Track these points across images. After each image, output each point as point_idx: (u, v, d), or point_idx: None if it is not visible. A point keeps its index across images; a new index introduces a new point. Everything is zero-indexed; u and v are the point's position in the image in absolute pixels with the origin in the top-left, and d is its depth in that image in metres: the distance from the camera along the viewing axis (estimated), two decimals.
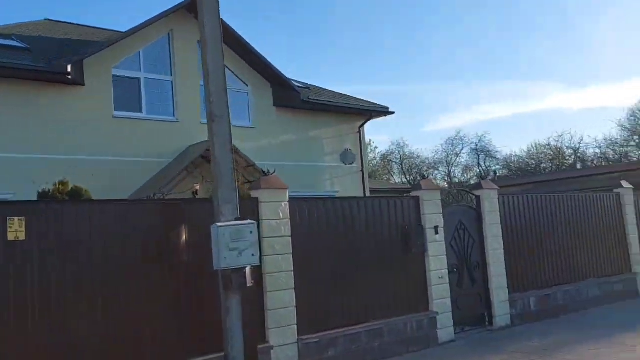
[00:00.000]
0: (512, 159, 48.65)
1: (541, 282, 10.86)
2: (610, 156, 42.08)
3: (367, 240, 8.47)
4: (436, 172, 49.12)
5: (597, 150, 44.23)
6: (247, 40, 15.50)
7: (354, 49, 70.00)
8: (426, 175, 9.97)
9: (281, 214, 7.31)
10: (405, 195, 9.51)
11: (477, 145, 49.12)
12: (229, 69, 15.80)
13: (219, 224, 5.86)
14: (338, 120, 17.71)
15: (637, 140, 42.24)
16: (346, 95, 18.61)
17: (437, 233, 9.18)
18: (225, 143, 6.20)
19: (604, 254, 12.30)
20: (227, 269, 5.85)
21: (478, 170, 47.38)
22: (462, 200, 10.61)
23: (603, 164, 40.00)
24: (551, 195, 11.80)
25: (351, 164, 17.93)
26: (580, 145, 45.33)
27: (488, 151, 48.95)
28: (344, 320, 7.87)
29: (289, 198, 7.56)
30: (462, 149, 50.19)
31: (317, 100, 16.76)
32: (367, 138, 20.07)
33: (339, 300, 7.91)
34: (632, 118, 42.98)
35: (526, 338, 9.18)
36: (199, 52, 14.84)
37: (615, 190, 12.97)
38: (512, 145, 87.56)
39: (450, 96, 70.75)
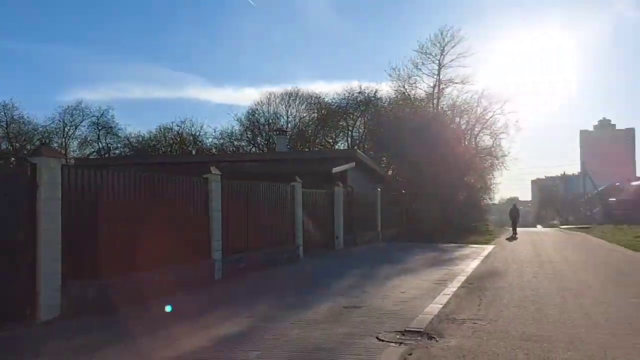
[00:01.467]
0: (137, 138, 47.71)
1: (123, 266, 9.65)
2: (226, 147, 44.85)
3: None
4: (50, 142, 44.54)
5: (216, 141, 46.82)
6: None
7: None
8: None
9: None
10: None
11: (98, 120, 46.63)
12: None
13: None
14: None
15: (250, 135, 46.28)
16: None
17: None
18: None
19: (188, 237, 11.92)
20: None
21: (98, 146, 44.93)
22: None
23: (219, 153, 42.44)
24: (139, 174, 10.81)
25: None
26: (200, 133, 47.33)
27: (110, 127, 46.94)
28: None
29: None
30: (82, 121, 46.97)
31: None
32: None
33: None
34: (250, 116, 47.15)
35: (81, 334, 7.82)
36: None
37: (204, 176, 12.89)
38: (142, 126, 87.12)
39: (97, 70, 66.15)
